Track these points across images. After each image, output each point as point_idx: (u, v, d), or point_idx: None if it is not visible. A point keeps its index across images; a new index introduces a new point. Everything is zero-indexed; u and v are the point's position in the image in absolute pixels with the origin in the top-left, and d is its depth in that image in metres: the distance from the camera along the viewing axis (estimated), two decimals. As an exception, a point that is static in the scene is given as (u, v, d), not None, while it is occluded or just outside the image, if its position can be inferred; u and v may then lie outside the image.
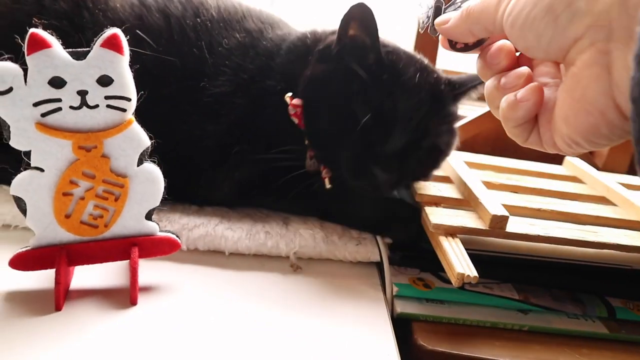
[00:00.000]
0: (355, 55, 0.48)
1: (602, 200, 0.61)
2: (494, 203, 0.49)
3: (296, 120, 0.51)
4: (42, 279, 0.41)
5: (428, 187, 0.55)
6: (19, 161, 0.37)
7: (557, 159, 0.76)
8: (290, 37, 0.55)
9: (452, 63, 1.04)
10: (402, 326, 0.45)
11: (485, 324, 0.47)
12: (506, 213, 0.47)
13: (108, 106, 0.37)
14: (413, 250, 0.52)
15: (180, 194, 0.49)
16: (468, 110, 0.91)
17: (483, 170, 0.65)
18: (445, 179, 0.59)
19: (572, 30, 0.27)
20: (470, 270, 0.41)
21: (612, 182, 0.63)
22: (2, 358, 0.33)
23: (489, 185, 0.58)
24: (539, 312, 0.49)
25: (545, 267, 0.51)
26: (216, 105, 0.51)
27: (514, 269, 0.52)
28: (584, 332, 0.49)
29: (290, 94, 0.50)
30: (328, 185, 0.50)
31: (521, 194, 0.59)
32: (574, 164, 0.72)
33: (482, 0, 0.32)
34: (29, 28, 0.34)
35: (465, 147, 0.71)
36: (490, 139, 0.85)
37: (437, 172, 0.60)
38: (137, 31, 0.49)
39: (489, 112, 0.83)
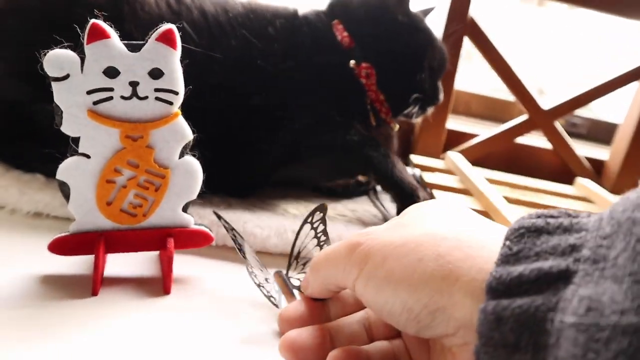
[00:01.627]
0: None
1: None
2: (515, 216, 0.50)
3: (364, 81, 0.58)
4: (78, 264, 0.42)
5: (449, 198, 0.56)
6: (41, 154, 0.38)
7: (568, 179, 0.78)
8: (308, 14, 0.61)
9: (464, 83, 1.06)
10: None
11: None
12: (527, 225, 0.48)
13: (157, 98, 0.38)
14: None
15: (225, 184, 0.54)
16: (481, 129, 0.93)
17: (498, 185, 0.67)
18: (465, 192, 0.60)
19: (439, 330, 0.26)
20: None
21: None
22: (38, 340, 0.34)
23: (506, 200, 0.59)
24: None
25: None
26: (273, 84, 0.55)
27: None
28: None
29: (353, 61, 0.58)
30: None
31: (536, 210, 0.60)
32: (584, 185, 0.74)
33: (326, 264, 0.32)
34: (89, 18, 0.35)
35: (479, 164, 0.73)
36: (502, 158, 0.87)
37: (455, 184, 0.61)
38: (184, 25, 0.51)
39: (502, 132, 0.85)
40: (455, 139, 0.86)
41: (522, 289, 0.22)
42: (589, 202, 0.69)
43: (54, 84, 0.36)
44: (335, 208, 0.60)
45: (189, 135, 0.40)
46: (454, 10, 0.78)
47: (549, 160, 0.91)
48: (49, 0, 0.50)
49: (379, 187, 0.65)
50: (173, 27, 0.37)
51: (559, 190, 0.71)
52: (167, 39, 0.37)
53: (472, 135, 0.87)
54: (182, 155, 0.40)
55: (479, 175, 0.62)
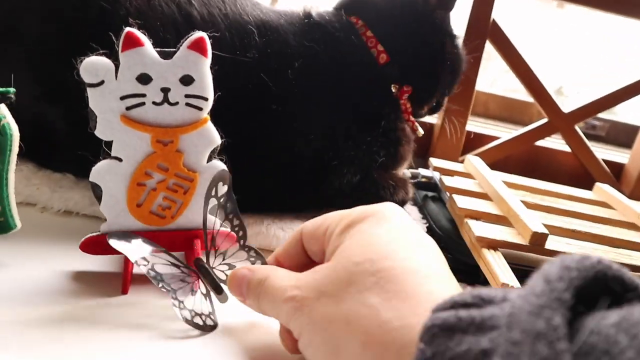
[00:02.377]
0: None
1: (633, 226, 0.63)
2: (534, 220, 0.51)
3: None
4: (107, 262, 0.43)
5: (467, 202, 0.57)
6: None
7: (587, 184, 0.78)
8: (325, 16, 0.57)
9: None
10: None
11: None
12: (546, 231, 0.49)
13: (187, 104, 0.39)
14: (453, 261, 0.54)
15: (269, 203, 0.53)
16: (501, 132, 0.94)
17: (517, 190, 0.67)
18: (484, 196, 0.60)
19: None
20: (513, 280, 0.43)
21: (642, 210, 0.65)
22: (69, 336, 0.35)
23: (525, 204, 0.60)
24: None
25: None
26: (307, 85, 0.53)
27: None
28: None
29: (395, 86, 0.57)
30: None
31: (555, 215, 0.60)
32: (604, 190, 0.74)
33: (267, 303, 0.33)
34: (124, 27, 0.37)
35: (497, 167, 0.73)
36: (521, 161, 0.87)
37: (475, 188, 0.62)
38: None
39: (521, 134, 0.85)
40: (474, 141, 0.86)
41: None
42: (608, 208, 0.69)
43: (89, 90, 0.37)
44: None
45: (217, 140, 0.41)
46: (476, 12, 0.78)
47: (568, 163, 0.90)
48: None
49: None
50: (204, 35, 0.38)
51: (578, 195, 0.71)
52: (197, 46, 0.38)
53: (492, 138, 0.87)
54: (210, 159, 0.41)
55: (498, 179, 0.63)
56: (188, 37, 0.38)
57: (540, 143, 0.89)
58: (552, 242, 0.50)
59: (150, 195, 0.41)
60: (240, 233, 0.42)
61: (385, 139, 0.56)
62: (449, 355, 0.22)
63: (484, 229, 0.51)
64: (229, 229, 0.42)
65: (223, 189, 0.40)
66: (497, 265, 0.45)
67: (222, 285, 0.39)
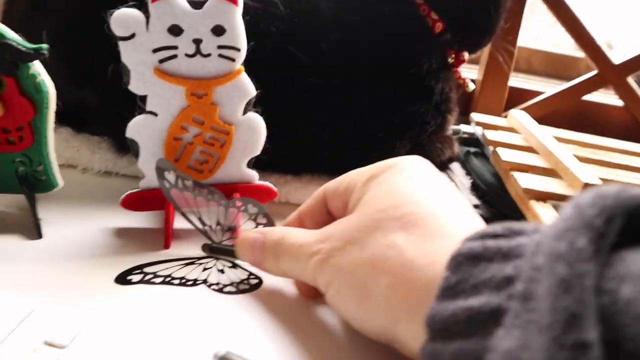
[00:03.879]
0: None
1: (692, 179, 0.59)
2: (586, 172, 0.48)
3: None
4: (147, 218, 0.43)
5: (512, 155, 0.54)
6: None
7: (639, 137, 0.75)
8: None
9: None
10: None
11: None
12: (598, 182, 0.47)
13: (220, 55, 0.38)
14: (497, 214, 0.52)
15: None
16: (547, 86, 0.90)
17: (566, 144, 0.64)
18: (530, 149, 0.58)
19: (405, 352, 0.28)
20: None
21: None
22: (115, 290, 0.35)
23: (576, 157, 0.57)
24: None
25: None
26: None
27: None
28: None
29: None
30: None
31: (608, 168, 0.58)
32: (659, 143, 0.70)
33: (288, 261, 0.33)
34: (154, -24, 0.36)
35: (544, 122, 0.70)
36: (568, 116, 0.83)
37: (519, 142, 0.59)
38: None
39: (568, 88, 0.82)
40: (517, 96, 0.83)
41: (455, 331, 0.22)
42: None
43: (121, 44, 0.36)
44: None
45: (252, 91, 0.40)
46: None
47: (619, 117, 0.86)
48: None
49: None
50: (234, -18, 0.37)
51: (630, 149, 0.68)
52: (228, -6, 0.37)
53: (536, 93, 0.84)
54: (245, 111, 0.41)
55: (546, 133, 0.60)
56: (218, -15, 0.37)
57: (588, 98, 0.85)
58: (604, 194, 0.48)
59: (187, 149, 0.40)
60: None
61: (437, 110, 0.54)
62: (472, 282, 0.22)
63: (531, 180, 0.48)
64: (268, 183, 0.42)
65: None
66: (546, 217, 0.43)
67: None
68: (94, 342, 0.30)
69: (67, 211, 0.43)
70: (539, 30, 1.10)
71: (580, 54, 0.89)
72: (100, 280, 0.35)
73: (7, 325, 0.29)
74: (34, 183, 0.40)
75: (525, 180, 0.48)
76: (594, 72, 0.81)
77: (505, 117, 0.70)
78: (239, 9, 0.38)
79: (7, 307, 0.30)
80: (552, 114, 0.82)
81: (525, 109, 0.79)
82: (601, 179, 0.50)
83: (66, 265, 0.37)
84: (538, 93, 0.84)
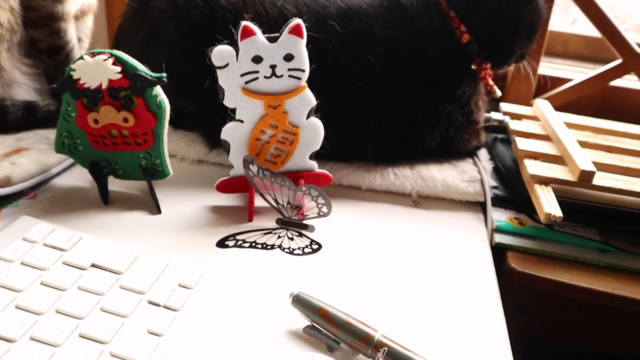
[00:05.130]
0: None
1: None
2: (584, 159, 0.58)
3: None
4: (234, 200, 0.57)
5: (528, 143, 0.65)
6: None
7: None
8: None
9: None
10: (499, 253, 0.58)
11: (567, 257, 0.58)
12: (594, 168, 0.57)
13: (290, 76, 0.51)
14: (513, 195, 0.63)
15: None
16: (574, 73, 0.97)
17: (582, 130, 0.73)
18: (546, 137, 0.68)
19: None
20: (557, 211, 0.52)
21: None
22: (219, 251, 0.49)
23: (585, 144, 0.67)
24: (617, 253, 0.59)
25: (626, 216, 0.60)
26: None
27: (597, 216, 0.61)
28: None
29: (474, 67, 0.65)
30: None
31: (613, 154, 0.67)
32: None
33: None
34: (241, 21, 0.48)
35: (570, 108, 0.79)
36: (595, 101, 0.91)
37: (538, 131, 0.69)
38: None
39: (594, 76, 0.89)
40: (547, 84, 0.90)
41: None
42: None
43: (218, 71, 0.49)
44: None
45: (313, 101, 0.52)
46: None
47: (642, 102, 0.93)
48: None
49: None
50: (300, 21, 0.49)
51: (646, 133, 0.75)
52: (296, 31, 0.49)
53: (565, 80, 0.91)
54: (308, 117, 0.53)
55: (559, 121, 0.69)
56: (288, 24, 0.49)
57: (615, 83, 0.92)
58: (601, 179, 0.58)
59: (265, 147, 0.53)
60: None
61: (462, 110, 0.65)
62: None
63: (538, 167, 0.59)
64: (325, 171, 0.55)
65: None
66: (544, 198, 0.54)
67: (305, 223, 0.52)
68: (211, 285, 0.44)
69: (175, 193, 0.57)
70: (575, 15, 1.16)
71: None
72: (207, 243, 0.50)
73: (154, 274, 0.43)
74: (153, 173, 0.54)
75: (533, 167, 0.59)
76: (619, 60, 0.88)
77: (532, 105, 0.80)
78: (304, 40, 0.50)
79: (152, 262, 0.44)
80: (579, 100, 0.90)
81: (554, 96, 0.88)
82: (601, 164, 0.60)
83: (181, 233, 0.51)
84: (567, 80, 0.92)
